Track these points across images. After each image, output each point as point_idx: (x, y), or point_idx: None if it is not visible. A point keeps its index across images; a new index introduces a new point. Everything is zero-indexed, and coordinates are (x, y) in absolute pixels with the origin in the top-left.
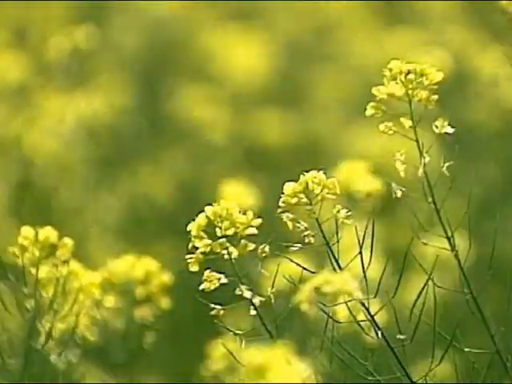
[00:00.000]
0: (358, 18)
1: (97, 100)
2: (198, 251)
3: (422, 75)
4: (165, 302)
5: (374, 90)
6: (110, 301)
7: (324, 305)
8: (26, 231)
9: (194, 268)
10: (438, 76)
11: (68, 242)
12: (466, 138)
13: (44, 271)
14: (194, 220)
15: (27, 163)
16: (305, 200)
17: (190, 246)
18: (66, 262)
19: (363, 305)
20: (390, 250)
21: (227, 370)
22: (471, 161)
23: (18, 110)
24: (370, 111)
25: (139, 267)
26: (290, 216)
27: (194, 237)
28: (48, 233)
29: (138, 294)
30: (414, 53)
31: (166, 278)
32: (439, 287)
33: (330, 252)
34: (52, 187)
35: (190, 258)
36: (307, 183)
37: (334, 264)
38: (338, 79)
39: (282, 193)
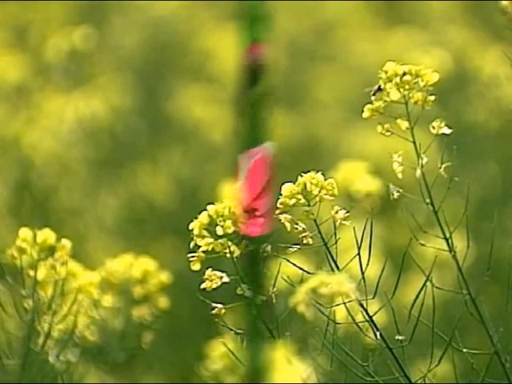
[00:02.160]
0: (358, 17)
1: (96, 100)
2: (200, 250)
3: (417, 76)
4: (163, 302)
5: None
6: (109, 300)
7: (322, 306)
8: (24, 233)
9: (196, 267)
10: (434, 77)
11: (66, 243)
12: (466, 137)
13: (42, 273)
14: (194, 219)
15: (27, 163)
16: (303, 201)
17: (192, 244)
18: (64, 263)
19: (361, 305)
20: (390, 250)
21: (227, 370)
22: (471, 161)
23: (18, 110)
24: (366, 113)
25: (137, 267)
26: (288, 217)
27: (196, 235)
28: (46, 235)
29: (136, 293)
30: (414, 53)
31: (165, 277)
32: (438, 288)
33: (328, 253)
34: (52, 187)
35: (192, 257)
36: (305, 184)
37: (332, 265)
38: (337, 79)
39: (280, 194)
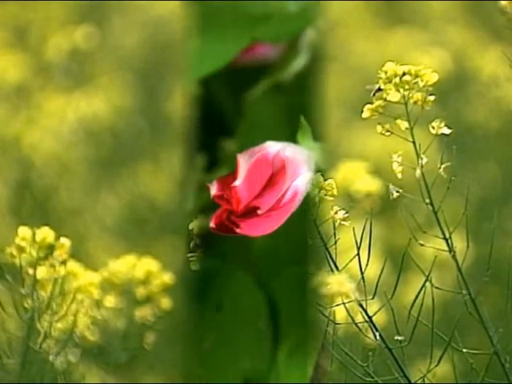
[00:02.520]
0: (358, 17)
1: (97, 100)
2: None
3: (417, 77)
4: (166, 303)
5: (376, 98)
6: (111, 301)
7: (322, 306)
8: (23, 232)
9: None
10: (434, 77)
11: (65, 242)
12: (466, 137)
13: (42, 272)
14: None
15: (27, 163)
16: None
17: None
18: (63, 262)
19: (361, 306)
20: (390, 250)
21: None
22: (471, 161)
23: (18, 110)
24: (366, 113)
25: (140, 267)
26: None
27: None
28: (45, 233)
29: (138, 294)
30: (414, 53)
31: (167, 278)
32: (437, 288)
33: (327, 253)
34: (52, 187)
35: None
36: None
37: (332, 265)
38: (338, 79)
39: None
